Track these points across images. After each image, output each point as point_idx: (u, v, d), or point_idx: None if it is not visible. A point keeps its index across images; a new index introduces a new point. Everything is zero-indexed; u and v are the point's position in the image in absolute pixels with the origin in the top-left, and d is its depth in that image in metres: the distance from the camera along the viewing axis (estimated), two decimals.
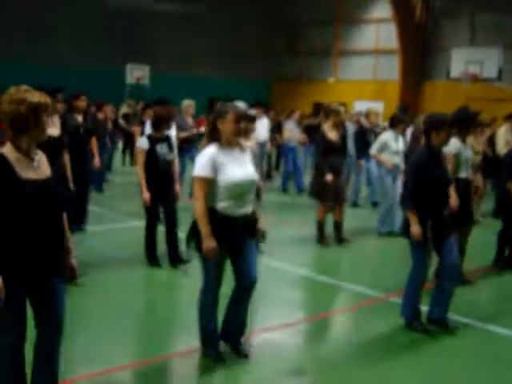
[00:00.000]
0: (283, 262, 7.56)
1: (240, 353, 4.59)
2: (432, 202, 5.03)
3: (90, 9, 24.18)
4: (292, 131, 13.52)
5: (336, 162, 8.41)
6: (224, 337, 4.61)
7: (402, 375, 4.62)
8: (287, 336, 5.32)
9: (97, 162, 9.07)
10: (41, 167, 3.26)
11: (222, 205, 4.25)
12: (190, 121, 10.86)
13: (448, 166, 5.96)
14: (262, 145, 11.96)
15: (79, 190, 7.80)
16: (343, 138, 10.65)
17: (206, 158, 4.25)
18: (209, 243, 4.18)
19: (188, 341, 4.89)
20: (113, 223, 9.54)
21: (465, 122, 6.45)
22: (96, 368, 4.42)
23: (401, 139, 9.52)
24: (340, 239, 8.70)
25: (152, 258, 7.14)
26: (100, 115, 12.13)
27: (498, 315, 6.06)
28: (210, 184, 4.22)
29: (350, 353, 5.01)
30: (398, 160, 9.27)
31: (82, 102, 8.56)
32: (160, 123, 6.99)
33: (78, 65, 23.73)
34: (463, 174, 6.49)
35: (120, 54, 24.63)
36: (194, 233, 4.30)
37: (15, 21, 22.46)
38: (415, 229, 4.98)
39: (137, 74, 23.81)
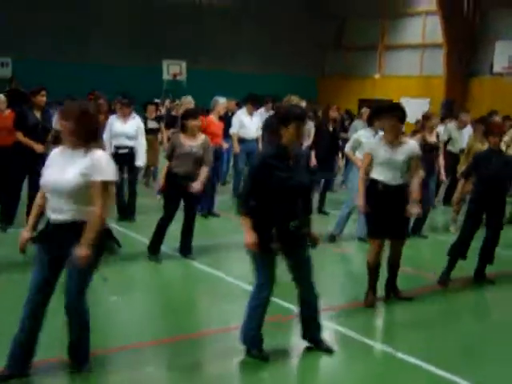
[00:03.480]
0: (219, 271, 7.07)
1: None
2: (276, 209, 4.40)
3: (127, 5, 24.36)
4: None
5: None
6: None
7: None
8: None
9: None
10: None
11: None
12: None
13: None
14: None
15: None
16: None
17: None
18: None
19: None
20: None
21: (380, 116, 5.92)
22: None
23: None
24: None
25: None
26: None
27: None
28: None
29: None
30: None
31: (42, 98, 8.19)
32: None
33: (116, 63, 23.85)
34: (382, 177, 5.85)
35: (157, 51, 24.65)
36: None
37: (51, 20, 22.83)
38: (247, 237, 4.37)
39: (173, 70, 23.75)
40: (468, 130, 12.67)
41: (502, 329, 5.78)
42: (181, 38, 25.35)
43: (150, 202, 9.25)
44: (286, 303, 5.60)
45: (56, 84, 19.30)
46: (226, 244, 8.19)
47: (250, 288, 4.81)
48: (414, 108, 16.59)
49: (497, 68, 19.35)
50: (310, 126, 10.10)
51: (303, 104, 10.70)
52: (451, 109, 20.40)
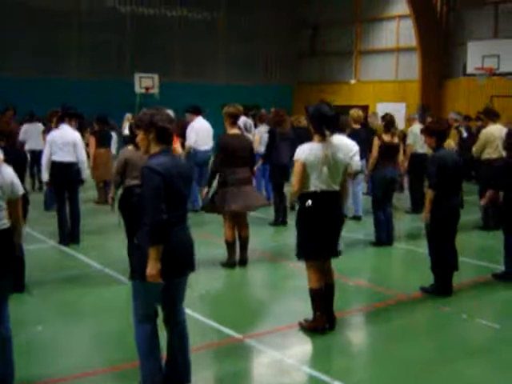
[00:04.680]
0: None
1: None
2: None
3: (99, 18, 23.95)
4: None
5: None
6: None
7: None
8: None
9: None
10: None
11: None
12: None
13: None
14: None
15: None
16: None
17: None
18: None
19: None
20: None
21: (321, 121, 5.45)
22: None
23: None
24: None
25: None
26: None
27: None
28: None
29: None
30: None
31: None
32: None
33: (88, 77, 23.45)
34: (317, 188, 5.44)
35: (130, 64, 24.33)
36: None
37: (25, 36, 22.35)
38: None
39: (146, 83, 23.30)
40: None
41: (449, 353, 5.29)
42: (153, 51, 25.01)
43: None
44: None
45: (25, 99, 18.99)
46: None
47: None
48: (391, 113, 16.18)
49: (470, 69, 18.90)
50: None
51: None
52: (426, 112, 20.03)
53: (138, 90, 23.20)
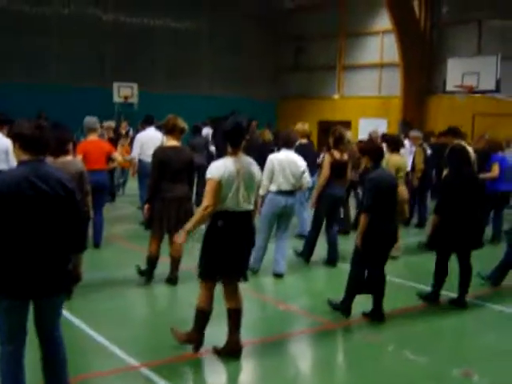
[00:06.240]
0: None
1: None
2: None
3: (80, 25, 23.65)
4: None
5: None
6: None
7: None
8: None
9: None
10: None
11: None
12: None
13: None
14: None
15: None
16: None
17: None
18: None
19: None
20: None
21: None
22: None
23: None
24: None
25: None
26: None
27: None
28: None
29: None
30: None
31: None
32: None
33: (65, 83, 23.10)
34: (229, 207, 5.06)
35: (111, 72, 24.01)
36: None
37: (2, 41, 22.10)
38: None
39: (124, 92, 22.99)
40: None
41: None
42: (135, 60, 24.76)
43: None
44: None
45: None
46: None
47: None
48: (372, 129, 15.79)
49: (449, 86, 18.51)
50: None
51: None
52: (408, 128, 19.67)
53: (116, 99, 22.93)
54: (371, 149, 6.28)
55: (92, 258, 8.02)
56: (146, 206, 7.22)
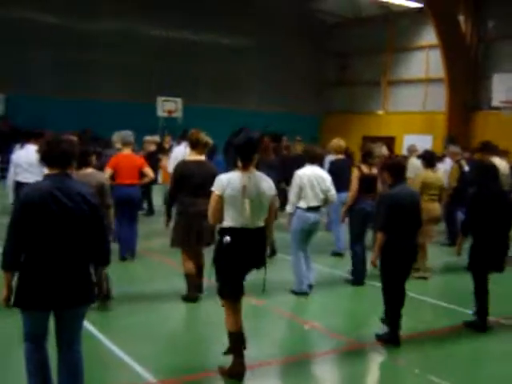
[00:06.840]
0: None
1: None
2: None
3: (125, 39, 24.13)
4: None
5: None
6: None
7: None
8: None
9: None
10: None
11: None
12: None
13: None
14: None
15: None
16: None
17: None
18: None
19: None
20: None
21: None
22: None
23: None
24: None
25: None
26: None
27: None
28: None
29: None
30: None
31: None
32: None
33: (113, 99, 23.60)
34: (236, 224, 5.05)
35: (155, 87, 24.31)
36: None
37: (51, 56, 22.69)
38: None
39: (168, 106, 23.36)
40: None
41: None
42: (180, 74, 25.05)
43: None
44: None
45: (50, 120, 19.23)
46: None
47: None
48: (418, 145, 15.59)
49: (495, 102, 18.23)
50: None
51: None
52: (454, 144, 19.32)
53: (160, 113, 23.27)
54: (390, 165, 6.18)
55: (121, 271, 8.11)
56: (166, 219, 7.32)
